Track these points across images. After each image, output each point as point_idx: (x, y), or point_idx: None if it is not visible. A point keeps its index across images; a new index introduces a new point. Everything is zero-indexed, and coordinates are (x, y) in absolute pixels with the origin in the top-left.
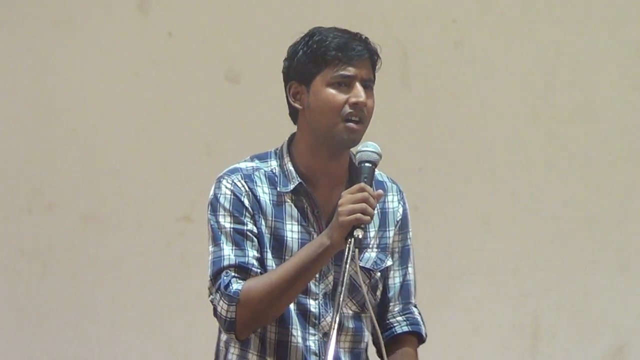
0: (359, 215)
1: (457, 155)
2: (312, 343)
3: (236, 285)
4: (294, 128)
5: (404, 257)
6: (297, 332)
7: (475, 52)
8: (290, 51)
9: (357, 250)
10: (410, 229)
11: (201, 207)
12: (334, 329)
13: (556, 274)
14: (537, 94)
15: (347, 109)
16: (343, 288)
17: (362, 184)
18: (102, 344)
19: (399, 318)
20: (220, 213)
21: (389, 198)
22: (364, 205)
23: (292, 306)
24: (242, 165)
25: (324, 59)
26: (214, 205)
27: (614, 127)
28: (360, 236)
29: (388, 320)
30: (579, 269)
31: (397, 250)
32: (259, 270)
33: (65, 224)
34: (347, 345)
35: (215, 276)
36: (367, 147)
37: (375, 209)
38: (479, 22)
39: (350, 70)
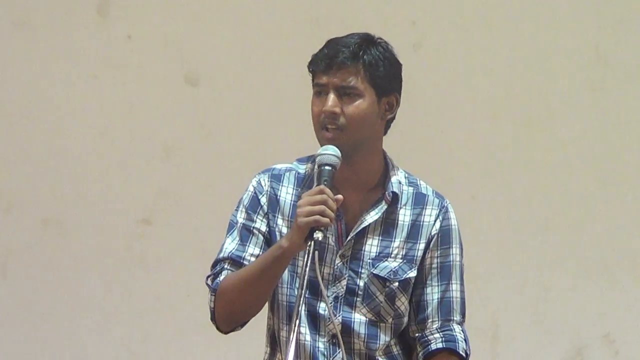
0: (317, 217)
1: (416, 158)
2: (321, 344)
3: (222, 277)
4: (252, 131)
5: (444, 273)
6: (307, 332)
7: (435, 55)
8: None
9: (317, 252)
10: (455, 245)
11: (160, 210)
12: (294, 331)
13: (516, 276)
14: (496, 97)
15: (322, 117)
16: (303, 291)
17: (322, 186)
18: (61, 346)
19: (436, 335)
20: (239, 208)
21: (427, 212)
22: (322, 207)
23: (303, 307)
24: (279, 165)
25: (311, 69)
26: (239, 200)
27: (573, 129)
28: (320, 238)
29: (426, 337)
30: (538, 272)
31: (435, 265)
32: None
33: (24, 226)
34: (358, 350)
35: (213, 266)
36: (326, 150)
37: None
38: (438, 25)
39: (323, 79)
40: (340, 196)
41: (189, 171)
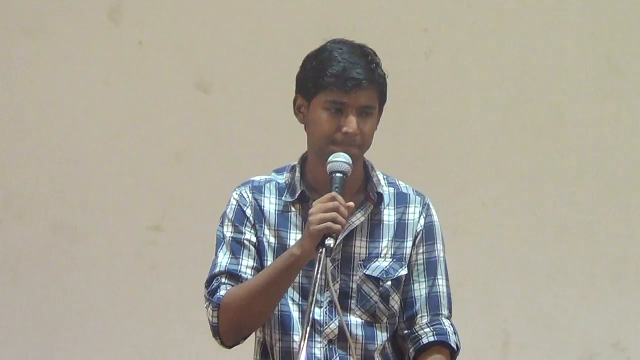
0: (329, 223)
1: (427, 165)
2: (318, 350)
3: (222, 292)
4: (263, 137)
5: (430, 268)
6: (300, 339)
7: (446, 62)
8: (304, 61)
9: (328, 259)
10: (439, 241)
11: (171, 217)
12: (304, 339)
13: (526, 284)
14: (507, 104)
15: (339, 137)
16: (313, 298)
17: (333, 193)
18: (71, 352)
19: (427, 329)
20: (225, 223)
21: (410, 209)
22: (334, 214)
23: (295, 314)
24: (257, 177)
25: (322, 82)
26: (223, 216)
27: (584, 136)
28: (332, 245)
29: (416, 332)
30: (549, 279)
31: (421, 261)
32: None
33: (35, 233)
34: (357, 352)
35: (208, 282)
36: (337, 157)
37: (385, 218)
38: (450, 32)
39: (344, 98)
40: (351, 203)
41: (199, 178)
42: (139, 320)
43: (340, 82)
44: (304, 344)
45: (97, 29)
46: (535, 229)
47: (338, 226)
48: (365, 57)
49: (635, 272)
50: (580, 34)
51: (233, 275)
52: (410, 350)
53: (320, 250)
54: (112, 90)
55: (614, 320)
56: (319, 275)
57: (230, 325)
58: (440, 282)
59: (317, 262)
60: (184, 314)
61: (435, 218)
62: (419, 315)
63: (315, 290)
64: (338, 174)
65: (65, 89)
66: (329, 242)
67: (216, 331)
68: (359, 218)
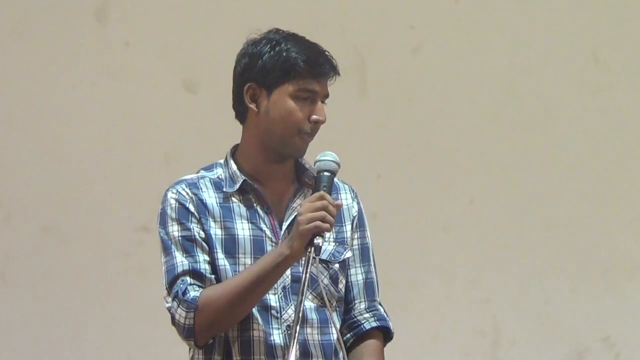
0: (318, 223)
1: (415, 162)
2: (277, 337)
3: (193, 293)
4: None
5: (364, 254)
6: (259, 328)
7: (433, 59)
8: (250, 51)
9: (317, 258)
10: (367, 228)
11: None
12: (294, 338)
13: (516, 280)
14: (495, 101)
15: (307, 125)
16: (303, 297)
17: (322, 192)
18: (61, 354)
19: (366, 315)
20: (168, 223)
21: (342, 195)
22: (323, 213)
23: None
24: (187, 176)
25: (293, 70)
26: (162, 217)
27: (572, 132)
28: (320, 244)
29: (355, 317)
30: (538, 275)
31: (356, 247)
32: (212, 276)
33: (23, 234)
34: (315, 337)
35: (171, 284)
36: (325, 156)
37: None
38: (436, 28)
39: (315, 87)
40: (339, 202)
41: None
42: (128, 321)
43: (313, 70)
44: (294, 342)
45: (84, 30)
46: (523, 225)
47: (327, 225)
48: (319, 46)
49: (625, 267)
50: (567, 29)
51: (197, 274)
52: (349, 335)
53: (310, 249)
54: (100, 91)
55: (603, 315)
56: (307, 275)
57: (208, 327)
58: (372, 268)
59: (306, 262)
60: None
61: (362, 205)
62: (357, 301)
63: (305, 290)
64: (326, 173)
65: (52, 90)
66: (318, 241)
67: (190, 332)
68: (299, 204)
